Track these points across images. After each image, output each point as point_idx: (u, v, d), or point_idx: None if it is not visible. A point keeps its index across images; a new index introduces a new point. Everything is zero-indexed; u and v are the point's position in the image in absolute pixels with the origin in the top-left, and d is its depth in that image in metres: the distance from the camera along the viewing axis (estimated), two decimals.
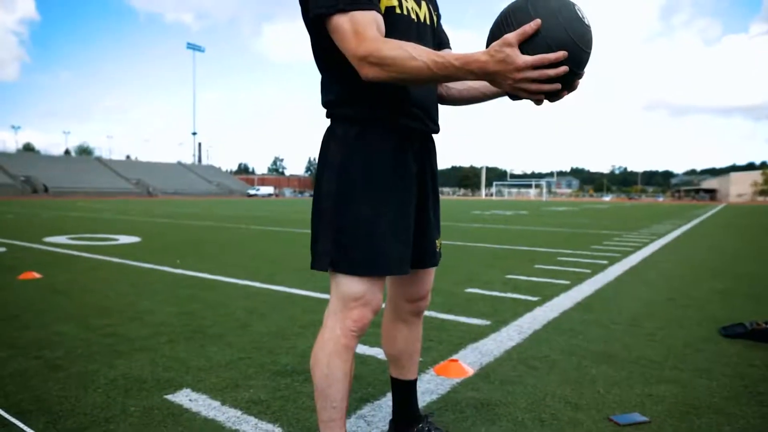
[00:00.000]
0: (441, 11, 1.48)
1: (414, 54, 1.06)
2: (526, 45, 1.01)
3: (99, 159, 77.71)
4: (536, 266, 5.39)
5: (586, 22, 1.06)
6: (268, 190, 77.69)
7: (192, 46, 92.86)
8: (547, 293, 3.98)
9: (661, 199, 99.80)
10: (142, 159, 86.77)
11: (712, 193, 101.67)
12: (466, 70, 1.03)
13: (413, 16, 1.28)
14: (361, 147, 1.23)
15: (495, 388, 2.06)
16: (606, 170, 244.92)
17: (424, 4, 1.34)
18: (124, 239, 7.77)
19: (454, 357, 2.39)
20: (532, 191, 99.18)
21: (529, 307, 3.51)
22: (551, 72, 0.99)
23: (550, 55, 0.99)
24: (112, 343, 2.57)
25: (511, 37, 0.99)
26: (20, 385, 2.03)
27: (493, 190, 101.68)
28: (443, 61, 1.04)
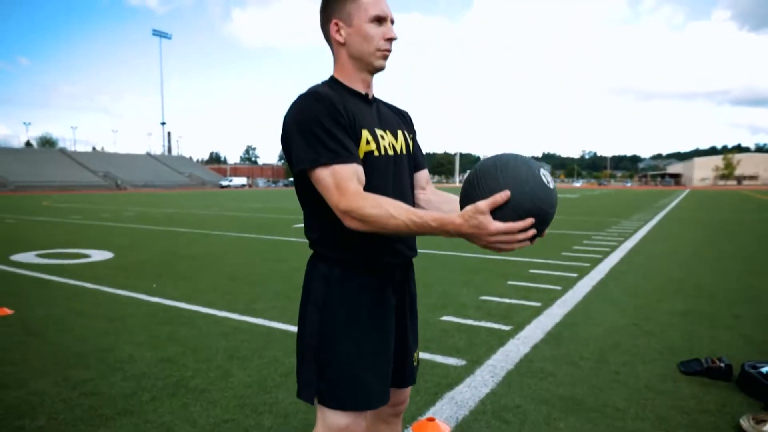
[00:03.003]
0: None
1: (393, 213, 1.13)
2: (497, 211, 1.10)
3: (63, 150, 75.20)
4: (509, 282, 5.56)
5: (551, 186, 1.15)
6: (240, 180, 76.66)
7: (158, 33, 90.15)
8: (519, 320, 4.13)
9: (629, 185, 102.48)
10: (109, 150, 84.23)
11: (677, 177, 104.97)
12: (442, 230, 1.11)
13: (390, 152, 1.35)
14: (344, 288, 1.30)
15: None
16: (576, 155, 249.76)
17: (400, 133, 1.42)
18: (96, 255, 7.64)
19: (431, 413, 2.50)
20: None
21: (503, 339, 3.65)
22: (520, 236, 1.08)
23: (519, 223, 1.08)
24: (94, 406, 2.59)
25: (483, 205, 1.07)
26: None
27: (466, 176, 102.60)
28: (421, 221, 1.12)
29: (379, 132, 1.34)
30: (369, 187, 1.25)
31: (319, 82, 1.38)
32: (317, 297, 1.31)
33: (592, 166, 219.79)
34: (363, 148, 1.27)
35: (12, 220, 14.44)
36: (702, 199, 29.05)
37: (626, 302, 4.77)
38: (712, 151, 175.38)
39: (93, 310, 4.49)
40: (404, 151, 1.41)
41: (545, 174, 1.15)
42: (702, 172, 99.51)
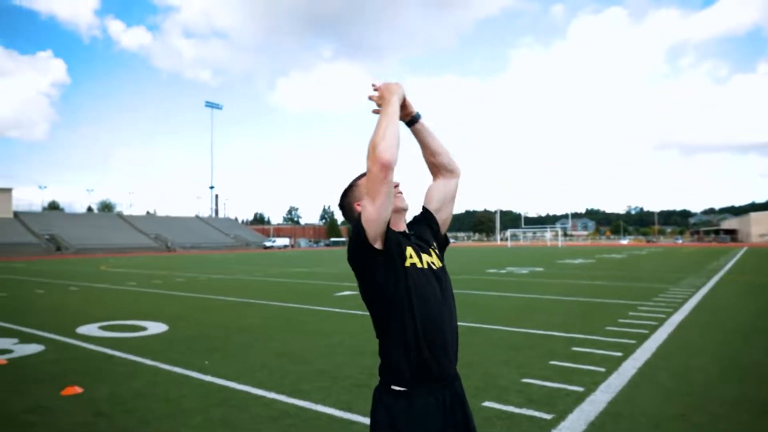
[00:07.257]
0: None
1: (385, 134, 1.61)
2: None
3: (120, 215, 79.81)
4: (551, 362, 5.54)
5: None
6: (283, 241, 78.66)
7: (210, 104, 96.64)
8: (561, 407, 4.14)
9: (680, 242, 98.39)
10: (161, 213, 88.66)
11: (732, 233, 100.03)
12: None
13: (427, 267, 1.68)
14: (406, 418, 1.56)
15: None
16: (622, 210, 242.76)
17: (432, 251, 1.76)
18: (153, 328, 8.09)
19: None
20: (548, 235, 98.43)
21: (543, 430, 3.68)
22: None
23: None
24: None
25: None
26: None
27: (508, 234, 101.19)
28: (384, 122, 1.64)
29: (422, 254, 1.69)
30: (419, 295, 1.57)
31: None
32: (382, 423, 1.58)
33: (639, 221, 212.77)
34: (408, 260, 1.62)
35: (75, 288, 15.41)
36: (760, 260, 27.58)
37: (674, 388, 4.68)
38: None
39: (152, 390, 4.80)
40: (438, 265, 1.73)
41: None
42: (760, 227, 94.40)
